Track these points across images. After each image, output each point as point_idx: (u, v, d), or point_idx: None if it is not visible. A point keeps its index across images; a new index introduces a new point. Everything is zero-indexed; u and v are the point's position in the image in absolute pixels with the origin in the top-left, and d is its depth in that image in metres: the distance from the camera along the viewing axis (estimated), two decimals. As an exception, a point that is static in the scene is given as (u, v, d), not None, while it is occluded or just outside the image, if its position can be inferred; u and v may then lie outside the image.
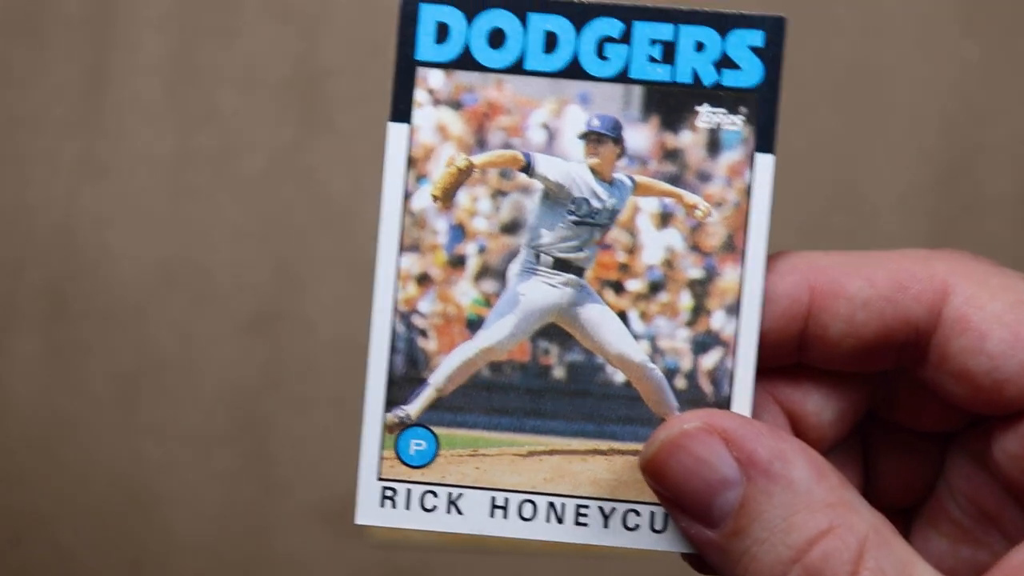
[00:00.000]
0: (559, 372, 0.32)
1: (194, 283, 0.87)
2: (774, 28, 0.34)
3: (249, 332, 0.87)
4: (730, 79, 0.32)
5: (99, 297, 0.87)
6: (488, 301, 0.31)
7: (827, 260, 0.32)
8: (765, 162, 0.32)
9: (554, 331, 0.32)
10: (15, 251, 0.87)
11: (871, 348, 0.31)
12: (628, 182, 0.32)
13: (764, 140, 0.32)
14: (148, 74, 0.87)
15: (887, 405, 0.33)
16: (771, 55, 0.33)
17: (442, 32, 0.32)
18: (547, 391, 0.31)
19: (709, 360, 0.31)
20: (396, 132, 0.32)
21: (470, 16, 0.32)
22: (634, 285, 0.32)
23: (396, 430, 0.31)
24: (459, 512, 0.31)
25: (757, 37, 0.33)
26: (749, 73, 0.33)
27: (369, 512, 0.31)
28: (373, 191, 0.33)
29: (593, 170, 0.32)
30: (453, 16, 0.32)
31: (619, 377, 0.32)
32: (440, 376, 0.31)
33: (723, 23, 0.32)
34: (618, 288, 0.32)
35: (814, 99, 0.87)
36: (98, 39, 0.87)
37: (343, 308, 0.86)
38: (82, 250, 0.87)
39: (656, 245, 0.32)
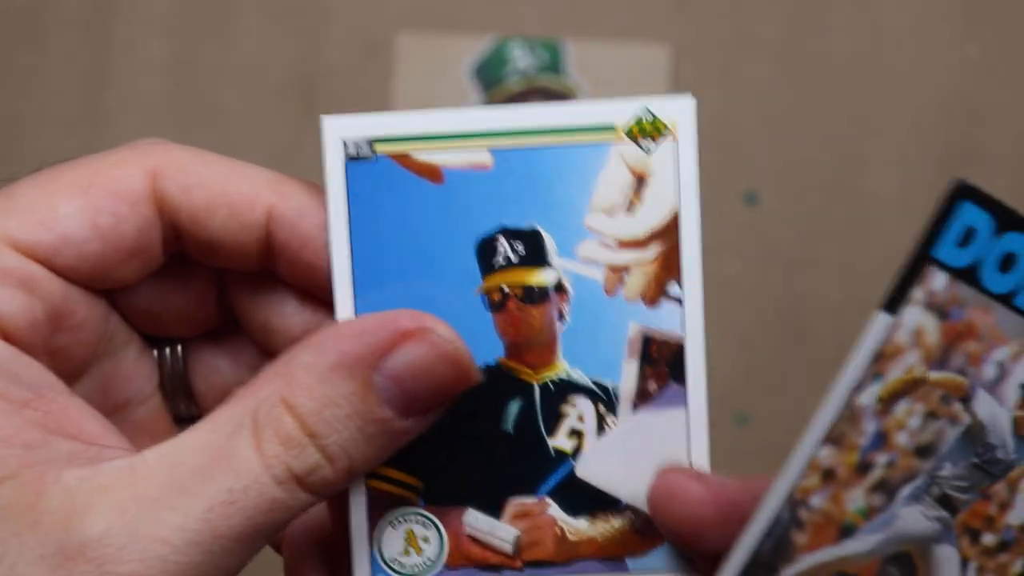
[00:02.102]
0: None
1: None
2: None
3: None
4: None
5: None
6: (869, 514, 0.30)
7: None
8: None
9: (905, 560, 0.30)
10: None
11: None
12: None
13: None
14: (148, 74, 0.87)
15: None
16: None
17: (967, 237, 0.29)
18: None
19: None
20: (880, 322, 0.29)
21: (1000, 230, 0.29)
22: (988, 539, 0.31)
23: None
24: None
25: None
26: None
27: None
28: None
29: (1016, 423, 0.30)
30: (985, 225, 0.29)
31: None
32: (791, 572, 0.30)
33: None
34: (974, 537, 0.31)
35: (815, 99, 0.87)
36: (98, 39, 0.87)
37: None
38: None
39: None
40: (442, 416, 0.31)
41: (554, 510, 0.32)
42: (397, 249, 0.32)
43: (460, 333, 0.31)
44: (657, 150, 0.32)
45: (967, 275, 0.29)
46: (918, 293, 0.29)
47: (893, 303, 0.29)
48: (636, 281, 0.32)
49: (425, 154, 0.32)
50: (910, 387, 0.29)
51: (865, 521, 0.30)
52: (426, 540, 0.32)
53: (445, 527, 0.32)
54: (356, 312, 0.32)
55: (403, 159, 0.32)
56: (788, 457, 0.29)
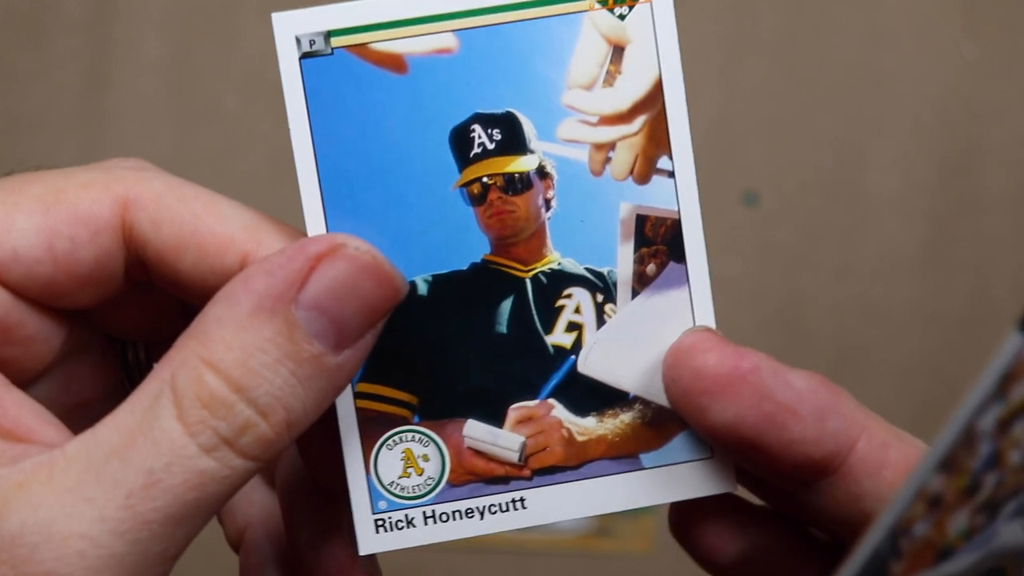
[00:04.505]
0: None
1: (194, 283, 0.87)
2: None
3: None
4: None
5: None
6: (970, 535, 0.27)
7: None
8: None
9: (998, 574, 0.27)
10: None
11: None
12: None
13: None
14: (148, 74, 0.87)
15: None
16: None
17: None
18: None
19: None
20: (1014, 343, 0.25)
21: None
22: None
23: None
24: None
25: None
26: None
27: None
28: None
29: None
30: None
31: None
32: None
33: None
34: None
35: (815, 99, 0.87)
36: (98, 39, 0.87)
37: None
38: (82, 250, 0.87)
39: None
40: (430, 323, 0.29)
41: (559, 411, 0.30)
42: (365, 149, 0.30)
43: (441, 232, 0.30)
44: (632, 15, 0.30)
45: None
46: None
47: None
48: (623, 158, 0.30)
49: (385, 43, 0.30)
50: None
51: (965, 543, 0.28)
52: (425, 458, 0.30)
53: (444, 442, 0.30)
54: (328, 225, 0.30)
55: (362, 51, 0.30)
56: (896, 489, 0.27)
